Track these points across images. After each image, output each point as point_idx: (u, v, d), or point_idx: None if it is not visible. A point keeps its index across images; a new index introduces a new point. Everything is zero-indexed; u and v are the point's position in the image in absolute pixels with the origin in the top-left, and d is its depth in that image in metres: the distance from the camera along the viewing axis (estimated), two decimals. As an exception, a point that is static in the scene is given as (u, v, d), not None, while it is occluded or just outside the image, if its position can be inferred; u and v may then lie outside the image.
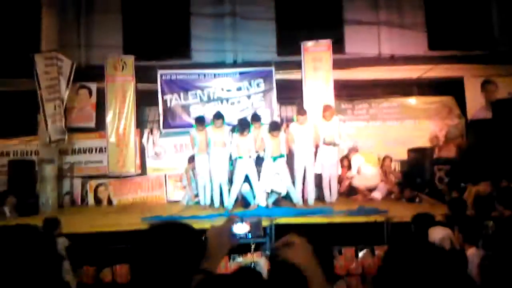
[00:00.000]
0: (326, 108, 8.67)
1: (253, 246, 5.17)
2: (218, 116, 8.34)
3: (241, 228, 1.51)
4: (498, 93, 10.27)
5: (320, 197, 8.62)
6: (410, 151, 9.77)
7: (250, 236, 1.52)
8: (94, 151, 10.61)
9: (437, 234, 4.87)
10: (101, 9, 11.20)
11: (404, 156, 9.93)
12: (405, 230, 5.56)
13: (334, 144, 8.50)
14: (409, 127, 10.76)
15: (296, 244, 1.43)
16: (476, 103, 10.43)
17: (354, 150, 9.83)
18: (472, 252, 4.40)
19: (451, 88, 10.63)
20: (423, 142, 10.24)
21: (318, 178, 8.53)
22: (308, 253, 1.43)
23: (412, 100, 10.97)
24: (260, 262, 5.03)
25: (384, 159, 9.75)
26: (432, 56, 10.66)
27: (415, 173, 9.16)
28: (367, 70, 10.46)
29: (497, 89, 10.36)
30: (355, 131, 10.77)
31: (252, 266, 4.77)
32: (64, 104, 9.57)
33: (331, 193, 8.52)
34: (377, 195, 9.11)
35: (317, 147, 8.43)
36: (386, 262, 1.42)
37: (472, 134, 9.57)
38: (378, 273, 1.42)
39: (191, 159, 9.10)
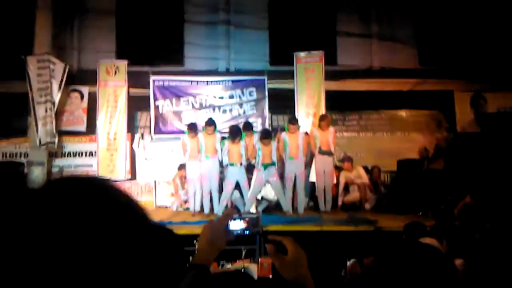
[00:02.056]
0: (323, 117, 8.73)
1: (244, 252, 5.18)
2: (210, 123, 8.36)
3: (238, 225, 1.49)
4: (487, 108, 10.40)
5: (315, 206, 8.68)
6: (400, 162, 9.83)
7: (248, 233, 1.49)
8: (84, 155, 10.56)
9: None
10: (95, 13, 11.19)
11: (394, 167, 9.99)
12: (394, 239, 5.61)
13: (330, 154, 8.57)
14: (399, 139, 10.86)
15: (289, 254, 1.25)
16: (465, 117, 10.54)
17: (347, 160, 9.64)
18: (460, 263, 4.46)
19: (441, 102, 10.75)
20: (412, 154, 10.32)
21: (314, 187, 8.58)
22: (302, 266, 1.25)
23: (402, 113, 11.10)
24: (250, 268, 5.04)
25: (373, 169, 9.80)
26: (422, 70, 10.78)
27: (404, 184, 9.22)
28: (358, 82, 10.54)
29: (486, 104, 10.50)
30: (346, 142, 10.85)
31: (243, 271, 4.78)
32: (55, 107, 9.56)
33: (326, 202, 8.52)
34: (366, 205, 9.16)
35: (312, 156, 8.48)
36: (380, 261, 1.36)
37: (460, 147, 9.67)
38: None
39: (181, 166, 9.09)
